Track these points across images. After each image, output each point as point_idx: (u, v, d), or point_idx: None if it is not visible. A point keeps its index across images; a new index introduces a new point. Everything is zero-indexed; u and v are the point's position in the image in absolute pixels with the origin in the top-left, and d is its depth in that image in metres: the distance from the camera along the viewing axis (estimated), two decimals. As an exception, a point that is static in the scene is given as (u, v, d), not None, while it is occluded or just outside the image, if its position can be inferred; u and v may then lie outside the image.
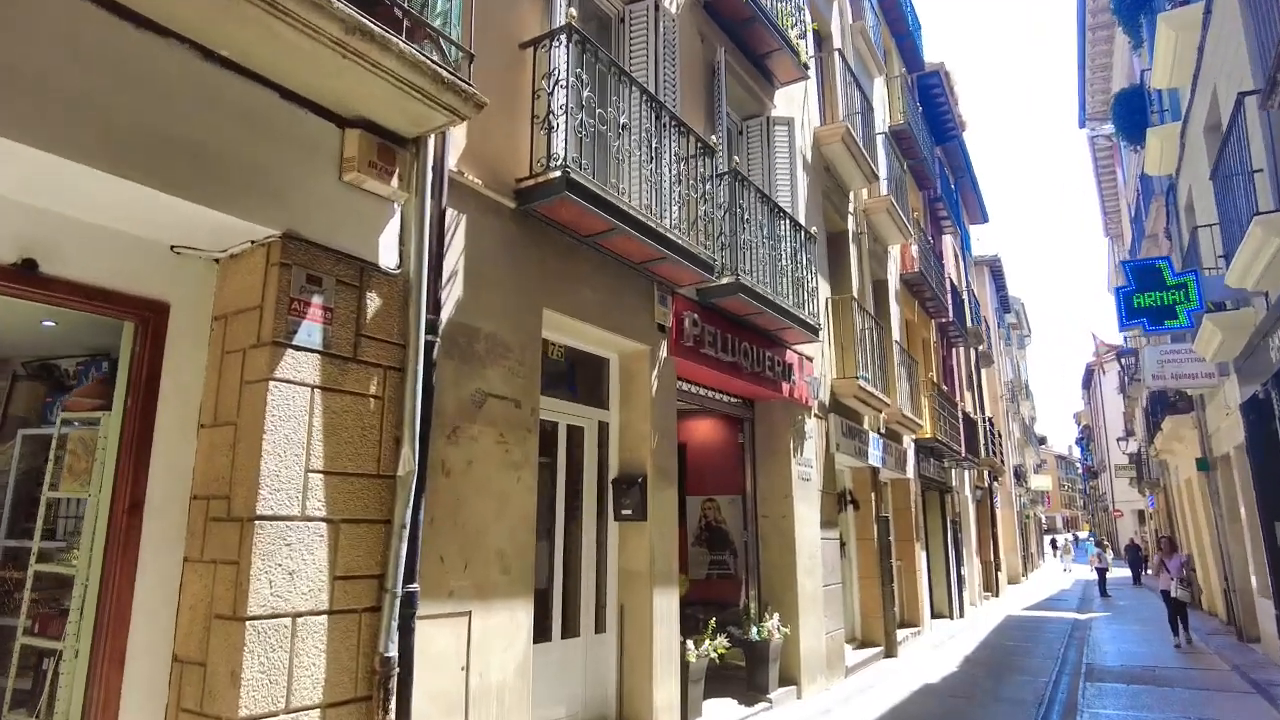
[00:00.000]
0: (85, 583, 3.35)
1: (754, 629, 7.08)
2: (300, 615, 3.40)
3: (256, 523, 3.28)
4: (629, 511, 5.74)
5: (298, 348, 3.54)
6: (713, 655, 6.27)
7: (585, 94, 5.02)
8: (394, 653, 3.64)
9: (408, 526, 3.77)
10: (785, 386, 8.03)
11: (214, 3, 3.00)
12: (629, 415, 6.06)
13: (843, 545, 10.15)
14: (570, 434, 5.75)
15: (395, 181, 3.99)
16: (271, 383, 3.41)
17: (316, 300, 3.65)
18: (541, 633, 5.15)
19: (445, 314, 4.33)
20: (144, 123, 3.07)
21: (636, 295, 6.00)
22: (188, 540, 3.51)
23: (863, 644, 10.76)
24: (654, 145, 5.69)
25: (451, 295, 4.39)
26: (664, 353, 6.24)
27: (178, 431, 3.56)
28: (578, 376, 6.01)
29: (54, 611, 3.51)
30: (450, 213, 4.42)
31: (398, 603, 3.69)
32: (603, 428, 6.04)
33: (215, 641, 3.27)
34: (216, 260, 3.77)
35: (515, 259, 4.86)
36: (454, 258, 4.44)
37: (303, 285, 3.61)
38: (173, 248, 3.65)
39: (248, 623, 3.20)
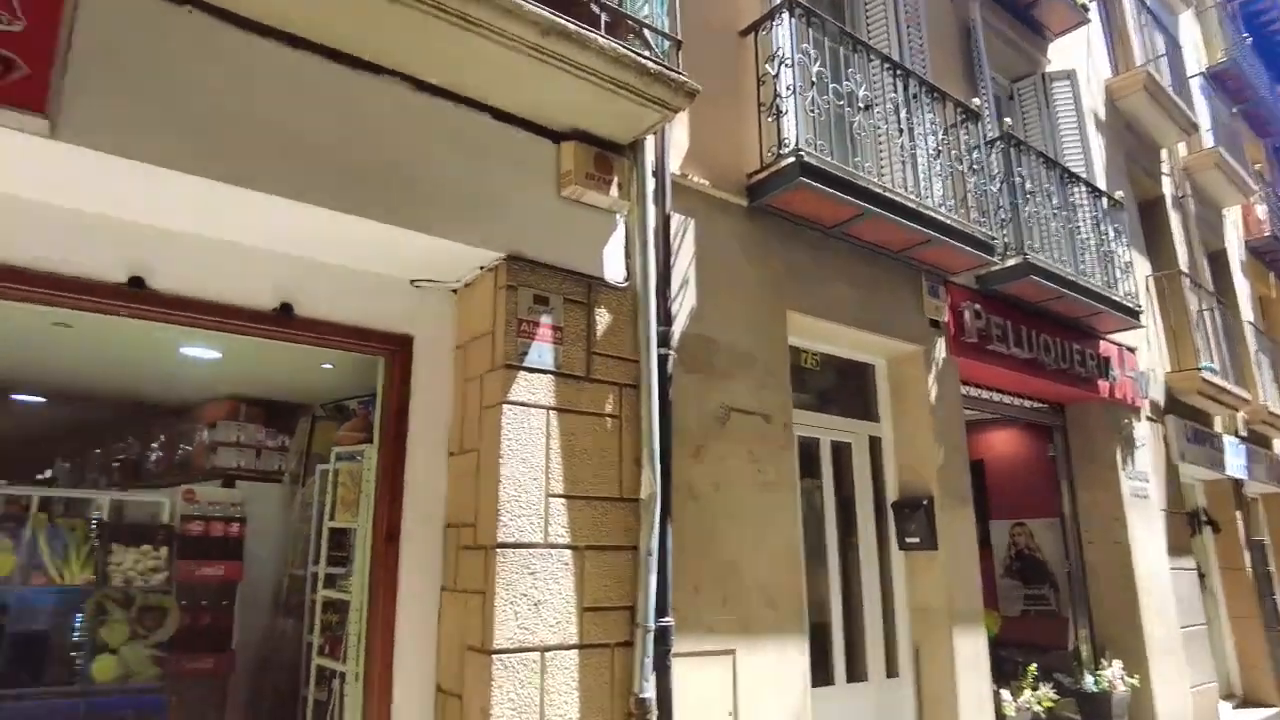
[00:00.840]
0: (358, 609, 3.47)
1: (1089, 677, 5.83)
2: (549, 649, 3.21)
3: (498, 550, 3.17)
4: (915, 539, 4.98)
5: (529, 369, 3.43)
6: (1036, 708, 5.21)
7: (816, 69, 4.54)
8: (650, 693, 3.33)
9: (655, 554, 3.47)
10: (1102, 385, 6.69)
11: (405, 22, 2.97)
12: (905, 427, 5.32)
13: (1202, 577, 8.22)
14: (836, 451, 5.15)
15: (615, 191, 3.80)
16: (505, 406, 3.32)
17: (545, 320, 3.54)
18: (821, 676, 4.57)
19: (679, 326, 4.03)
20: (371, 161, 3.16)
21: (900, 289, 5.29)
22: (443, 569, 3.52)
23: (1244, 702, 8.59)
24: (904, 117, 5.02)
25: (684, 305, 4.09)
26: (941, 352, 5.43)
27: (428, 460, 3.60)
28: (839, 386, 5.41)
29: (339, 634, 3.70)
30: (676, 218, 4.15)
31: (651, 638, 3.38)
32: (874, 443, 5.36)
33: (468, 674, 3.19)
34: (454, 291, 3.82)
35: (751, 260, 4.46)
36: (684, 265, 4.15)
37: (530, 306, 3.51)
38: (412, 282, 3.75)
39: (494, 656, 3.07)
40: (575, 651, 3.27)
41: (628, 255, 3.89)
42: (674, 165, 4.18)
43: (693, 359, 4.04)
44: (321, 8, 2.95)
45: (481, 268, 3.60)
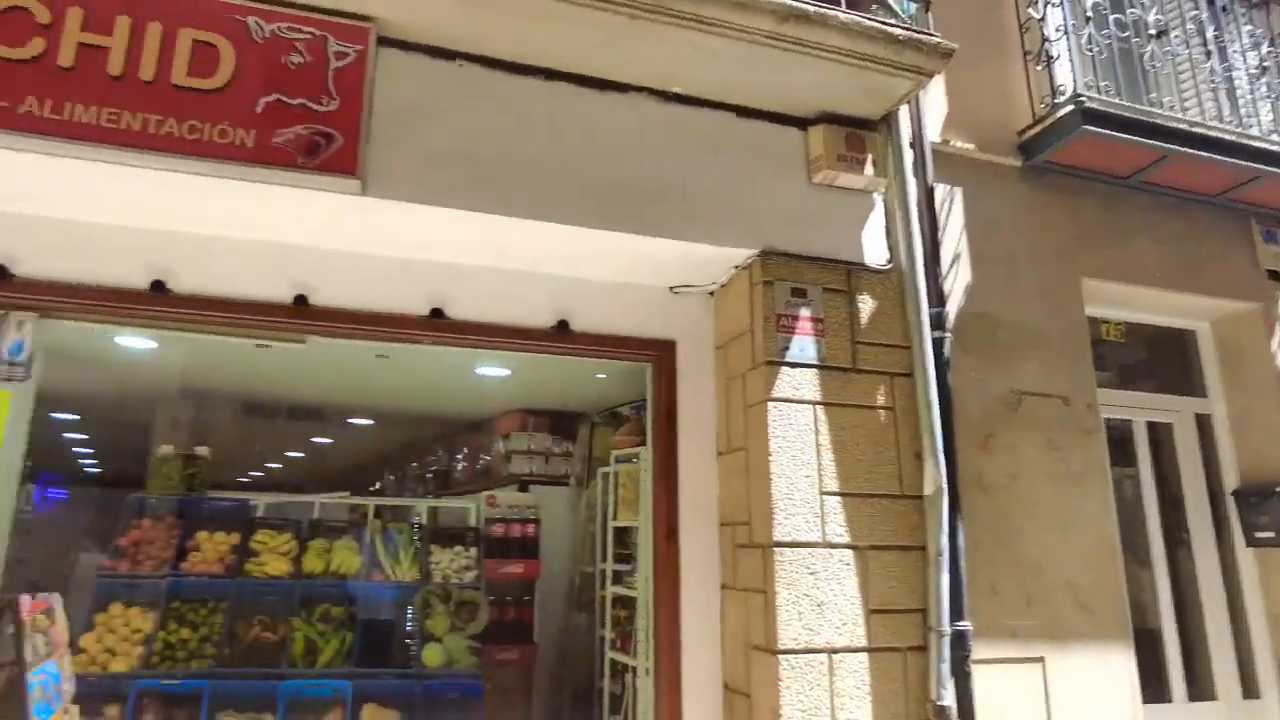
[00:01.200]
0: (645, 604, 3.61)
1: None
2: (836, 651, 3.10)
3: (775, 550, 3.12)
4: (1268, 534, 4.17)
5: (791, 364, 3.35)
6: None
7: (1091, 1, 3.98)
8: (949, 701, 3.09)
9: (945, 554, 3.22)
10: None
11: (644, 35, 3.04)
12: (1242, 402, 4.47)
13: None
14: (1154, 434, 4.46)
15: (869, 169, 3.61)
16: (770, 404, 3.27)
17: (804, 313, 3.44)
18: (1153, 693, 3.97)
19: (953, 305, 3.72)
20: (621, 177, 3.29)
21: (1222, 238, 4.47)
22: (723, 568, 3.54)
23: None
24: (1210, 36, 4.25)
25: (957, 282, 3.78)
26: (1285, 310, 4.51)
27: (699, 459, 3.65)
28: (1150, 359, 4.69)
29: (629, 630, 3.87)
30: (940, 189, 3.85)
31: (946, 642, 3.14)
32: (1202, 422, 4.57)
33: (755, 674, 3.17)
34: (710, 293, 3.85)
35: (1033, 226, 4.01)
36: (953, 239, 3.83)
37: (787, 300, 3.44)
38: (672, 289, 3.84)
39: (780, 656, 3.02)
40: (864, 655, 3.13)
41: (889, 235, 3.67)
42: (933, 133, 3.89)
43: (972, 340, 3.71)
44: (572, 37, 3.12)
45: (736, 267, 3.59)
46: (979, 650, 3.25)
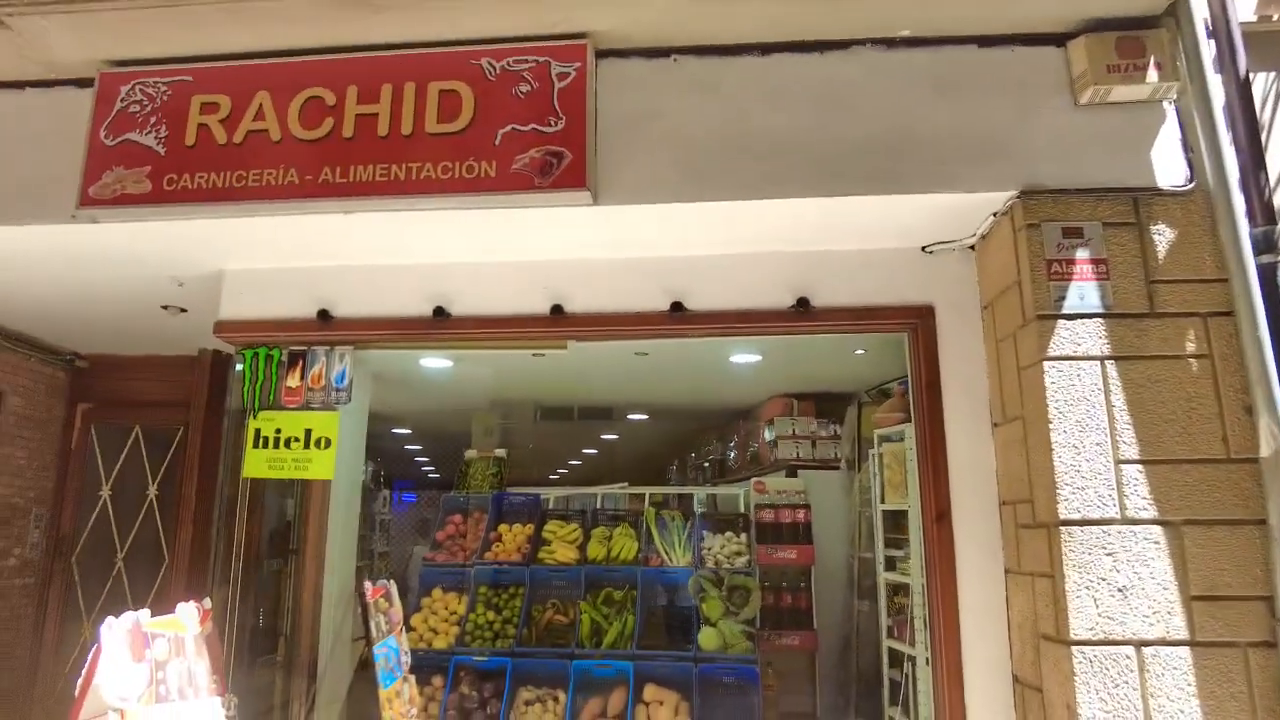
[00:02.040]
0: (919, 591, 3.38)
1: None
2: (1146, 644, 2.65)
3: (1062, 529, 2.74)
4: None
5: (1069, 316, 2.93)
6: None
7: None
8: (1318, 714, 2.49)
9: (1293, 528, 2.60)
10: None
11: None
12: None
13: None
14: None
15: (1153, 74, 3.04)
16: (1046, 364, 2.88)
17: (1081, 255, 2.99)
18: None
19: (1289, 221, 3.00)
20: (853, 136, 3.13)
21: None
22: (1005, 550, 3.20)
23: None
24: None
25: (1293, 192, 3.03)
26: None
27: (970, 433, 3.34)
28: None
29: (906, 617, 3.65)
30: (1263, 79, 3.14)
31: (1305, 640, 2.54)
32: None
33: (1046, 666, 2.82)
34: (971, 248, 3.50)
35: None
36: (1283, 139, 3.09)
37: (1059, 242, 3.01)
38: (924, 249, 3.55)
39: (1074, 648, 2.65)
40: (1186, 649, 2.63)
41: (1188, 149, 3.06)
42: (1244, 11, 3.16)
43: (1321, 262, 2.96)
44: (781, 4, 3.03)
45: (995, 214, 3.22)
46: (1357, 651, 2.58)
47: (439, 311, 3.66)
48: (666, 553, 4.37)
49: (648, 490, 5.04)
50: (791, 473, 5.21)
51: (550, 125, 3.16)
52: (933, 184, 3.08)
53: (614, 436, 7.89)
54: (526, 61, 3.23)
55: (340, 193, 3.17)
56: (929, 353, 3.44)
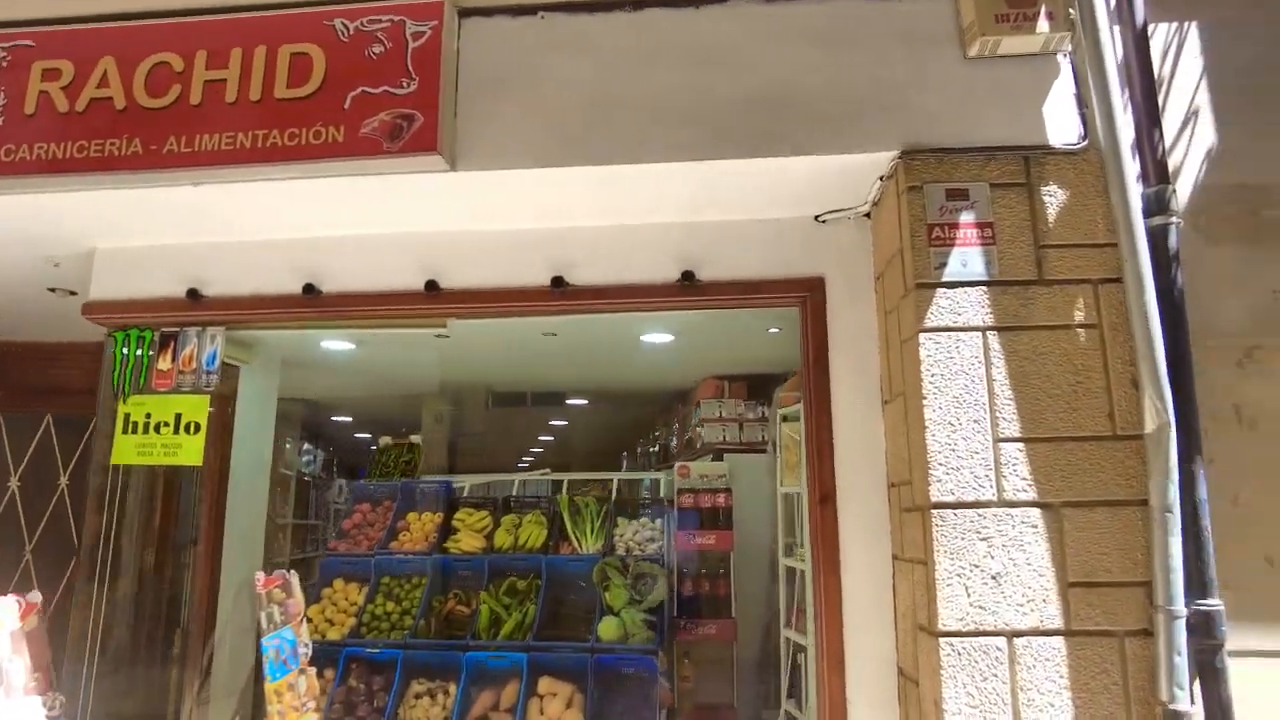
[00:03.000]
0: (809, 579, 3.20)
1: None
2: (1019, 635, 2.46)
3: (934, 512, 2.56)
4: None
5: (950, 284, 2.73)
6: None
7: None
8: (1185, 705, 2.30)
9: (1175, 509, 2.40)
10: None
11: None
12: None
13: None
14: None
15: (1044, 24, 2.82)
16: (922, 335, 2.69)
17: (965, 218, 2.79)
18: None
19: (1188, 180, 2.80)
20: (731, 96, 2.92)
21: None
22: (893, 536, 3.02)
23: None
24: None
25: (1193, 149, 2.82)
26: None
27: (859, 411, 3.16)
28: None
29: (803, 606, 3.48)
30: (1163, 30, 2.92)
31: (1180, 626, 2.34)
32: None
33: (921, 658, 2.64)
34: (866, 216, 3.30)
35: (1322, 52, 2.87)
36: (1184, 91, 2.87)
37: (942, 205, 2.80)
38: (817, 218, 3.35)
39: (942, 639, 2.47)
40: (1060, 639, 2.45)
41: (1083, 105, 2.84)
42: (1143, -41, 2.94)
43: (1223, 222, 2.76)
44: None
45: (881, 178, 3.02)
46: (1241, 639, 2.40)
47: (309, 289, 3.48)
48: (578, 540, 4.21)
49: (566, 476, 4.88)
50: (718, 457, 5.03)
51: (403, 87, 2.97)
52: (815, 145, 2.89)
53: (564, 423, 7.73)
54: (381, 21, 3.04)
55: (186, 163, 2.99)
56: (818, 327, 3.24)
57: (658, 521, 4.29)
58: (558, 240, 3.42)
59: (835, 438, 3.14)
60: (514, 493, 4.73)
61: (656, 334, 4.46)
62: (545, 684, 3.62)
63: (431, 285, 3.43)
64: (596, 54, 3.02)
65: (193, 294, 3.55)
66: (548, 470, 5.09)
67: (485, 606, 3.92)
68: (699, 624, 4.33)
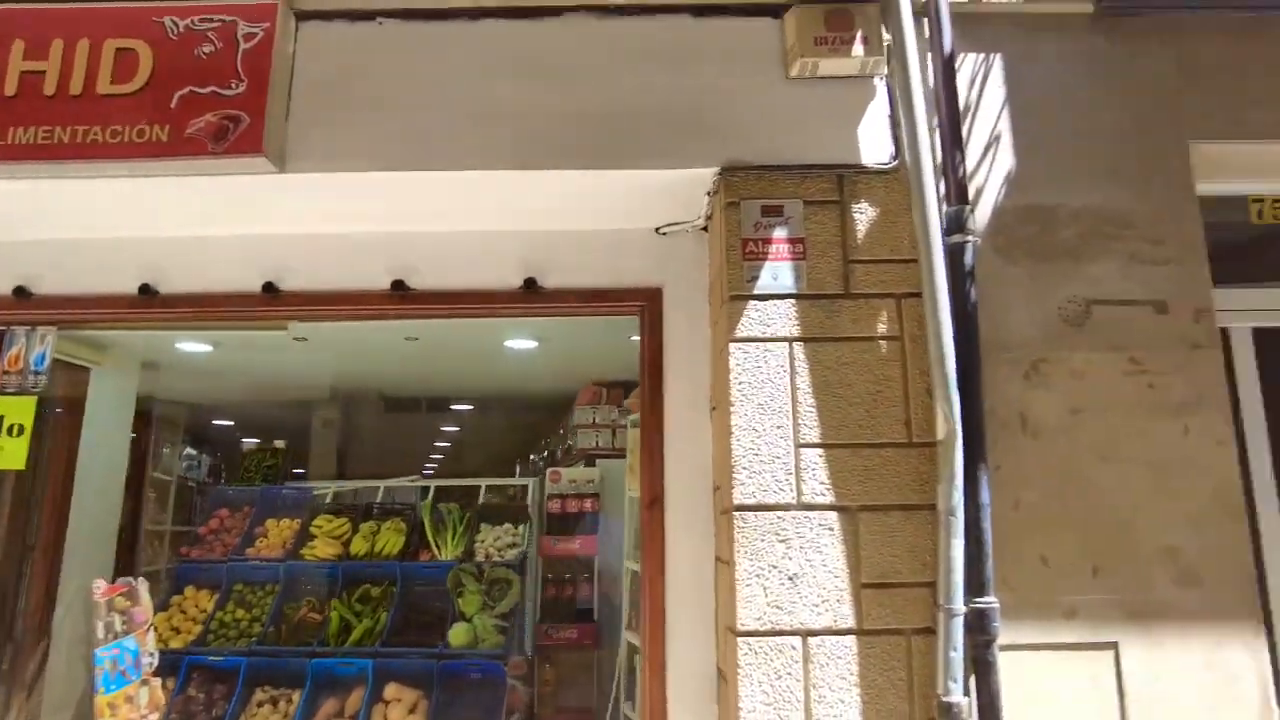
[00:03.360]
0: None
1: None
2: (813, 634, 2.57)
3: (736, 514, 2.65)
4: None
5: (761, 296, 2.84)
6: None
7: None
8: (958, 697, 2.43)
9: (958, 513, 2.54)
10: None
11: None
12: None
13: None
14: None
15: (859, 48, 2.96)
16: (733, 345, 2.79)
17: (779, 234, 2.90)
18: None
19: (990, 199, 2.96)
20: (564, 111, 2.97)
21: None
22: (716, 538, 3.10)
23: None
24: None
25: (994, 172, 2.99)
26: None
27: (690, 418, 3.23)
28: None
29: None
30: (972, 59, 3.08)
31: (959, 623, 2.48)
32: None
33: (728, 658, 2.73)
34: (704, 229, 3.39)
35: (1111, 84, 3.07)
36: (989, 117, 3.04)
37: (757, 221, 2.91)
38: (657, 230, 3.43)
39: (740, 639, 2.56)
40: (851, 638, 2.56)
41: (896, 127, 2.99)
42: (956, -10, 3.11)
43: (1017, 242, 2.92)
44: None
45: (709, 193, 3.12)
46: (1016, 634, 2.55)
47: (145, 289, 3.40)
48: (438, 547, 4.20)
49: (433, 483, 4.86)
50: (590, 462, 5.08)
51: (231, 88, 2.94)
52: (644, 160, 2.96)
53: (457, 429, 7.69)
54: (212, 21, 3.01)
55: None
56: (654, 336, 3.32)
57: (521, 528, 4.31)
58: (400, 244, 3.42)
59: (666, 443, 3.21)
60: (378, 499, 4.69)
61: (520, 340, 4.49)
62: (391, 690, 3.61)
63: (269, 287, 3.39)
64: (434, 62, 3.04)
65: (20, 292, 3.43)
66: (416, 477, 5.07)
67: (335, 613, 3.88)
68: (560, 629, 4.36)
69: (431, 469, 8.70)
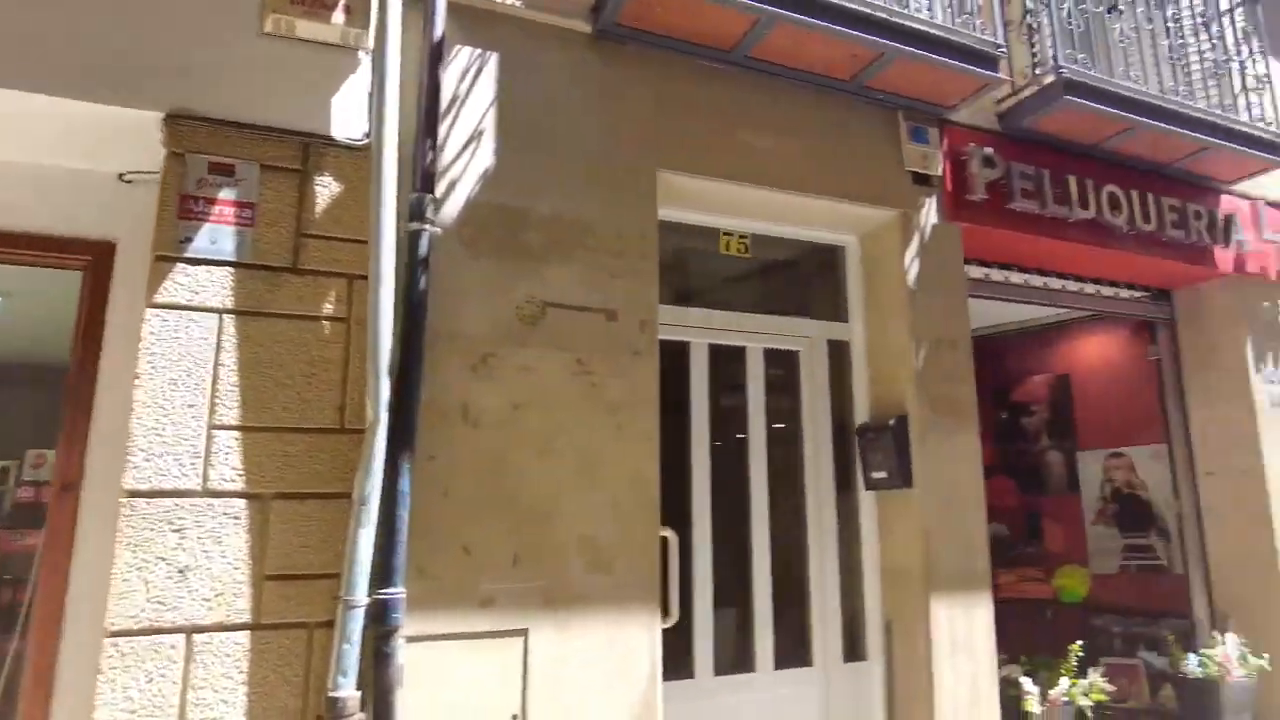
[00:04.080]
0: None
1: (1192, 658, 4.13)
2: (201, 630, 2.36)
3: (125, 501, 2.35)
4: (881, 474, 3.63)
5: (193, 260, 2.56)
6: (1083, 701, 3.67)
7: None
8: (348, 691, 2.38)
9: (371, 501, 2.49)
10: (1224, 255, 4.76)
11: None
12: (877, 324, 3.91)
13: None
14: (775, 363, 3.85)
15: (341, 17, 2.83)
16: (149, 311, 2.48)
17: (226, 195, 2.65)
18: (738, 662, 3.42)
19: (464, 193, 2.99)
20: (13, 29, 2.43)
21: (863, 134, 3.85)
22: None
23: None
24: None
25: (471, 167, 3.03)
26: (930, 218, 3.93)
27: (125, 392, 2.83)
28: (793, 280, 4.11)
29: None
30: (468, 52, 3.10)
31: (357, 615, 2.43)
32: (838, 351, 3.98)
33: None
34: (172, 182, 3.02)
35: (599, 104, 3.28)
36: (476, 111, 3.07)
37: (202, 178, 2.63)
38: (120, 176, 2.99)
39: (108, 640, 2.27)
40: (245, 633, 2.40)
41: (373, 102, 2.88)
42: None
43: (485, 238, 2.98)
44: None
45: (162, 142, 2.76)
46: (428, 624, 2.58)
47: None
48: None
49: None
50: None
51: None
52: (90, 91, 2.52)
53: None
54: None
55: None
56: (97, 298, 2.88)
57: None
58: None
59: (94, 420, 2.80)
60: None
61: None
62: None
63: None
64: None
65: None
66: None
67: None
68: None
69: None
